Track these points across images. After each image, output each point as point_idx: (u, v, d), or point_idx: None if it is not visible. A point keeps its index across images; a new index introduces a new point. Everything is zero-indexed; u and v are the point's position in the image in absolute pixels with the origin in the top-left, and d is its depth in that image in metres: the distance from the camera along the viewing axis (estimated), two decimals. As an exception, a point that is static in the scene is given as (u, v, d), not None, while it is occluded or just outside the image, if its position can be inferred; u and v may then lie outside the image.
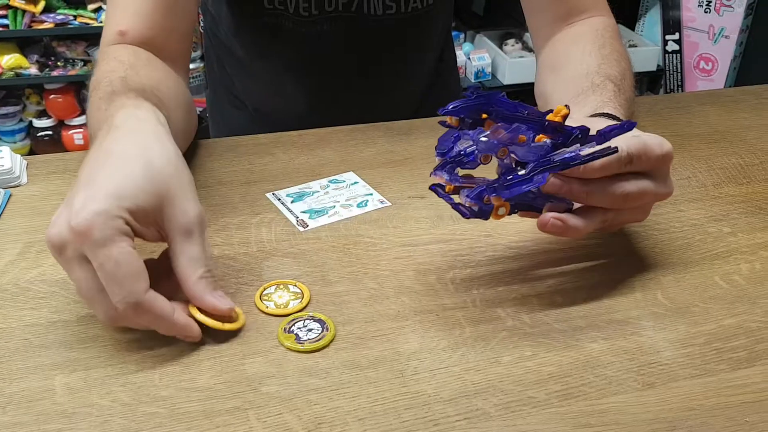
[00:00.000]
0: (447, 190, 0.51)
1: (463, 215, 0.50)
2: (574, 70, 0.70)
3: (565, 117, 0.49)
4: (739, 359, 0.48)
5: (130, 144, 0.48)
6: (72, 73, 2.49)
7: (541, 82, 0.77)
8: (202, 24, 1.02)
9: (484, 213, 0.50)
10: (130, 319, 0.45)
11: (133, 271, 0.44)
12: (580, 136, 0.49)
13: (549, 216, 0.50)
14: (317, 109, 0.92)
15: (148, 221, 0.46)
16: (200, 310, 0.48)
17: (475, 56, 2.60)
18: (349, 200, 0.65)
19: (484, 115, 0.49)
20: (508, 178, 0.48)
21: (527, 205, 0.52)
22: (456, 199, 0.51)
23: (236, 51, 0.92)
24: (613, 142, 0.49)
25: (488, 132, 0.48)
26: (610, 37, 0.74)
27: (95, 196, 0.44)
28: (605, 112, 0.61)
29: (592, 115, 0.60)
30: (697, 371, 0.47)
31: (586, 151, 0.49)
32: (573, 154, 0.49)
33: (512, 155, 0.49)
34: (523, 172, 0.48)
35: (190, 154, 0.72)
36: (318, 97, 0.92)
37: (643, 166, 0.51)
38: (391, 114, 0.83)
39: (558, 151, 0.49)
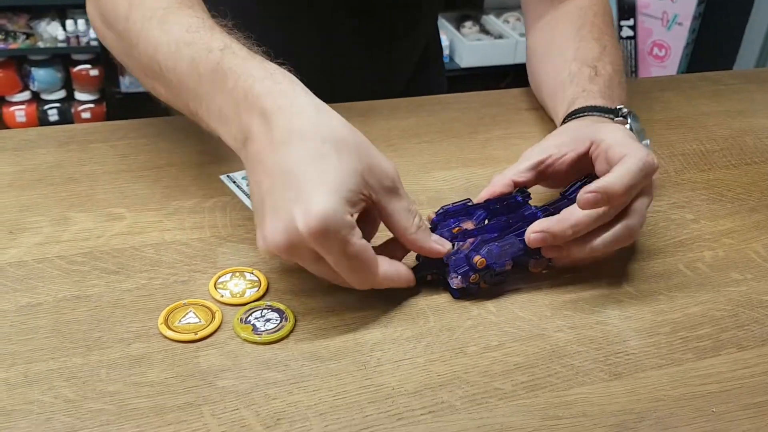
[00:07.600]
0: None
1: (453, 295, 0.51)
2: (554, 61, 0.70)
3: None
4: (705, 348, 0.48)
5: (309, 126, 0.45)
6: (13, 46, 2.38)
7: (530, 72, 0.79)
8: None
9: (470, 291, 0.51)
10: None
11: (369, 261, 0.46)
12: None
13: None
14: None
15: (361, 198, 0.45)
16: (169, 327, 0.46)
17: (432, 38, 2.58)
18: (307, 183, 0.63)
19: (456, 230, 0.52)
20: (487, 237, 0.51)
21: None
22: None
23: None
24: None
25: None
26: (594, 15, 0.72)
27: (318, 199, 0.42)
28: (578, 108, 0.61)
29: (567, 116, 0.61)
30: (664, 360, 0.47)
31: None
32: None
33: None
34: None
35: (139, 133, 0.69)
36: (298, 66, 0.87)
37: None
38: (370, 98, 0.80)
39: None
